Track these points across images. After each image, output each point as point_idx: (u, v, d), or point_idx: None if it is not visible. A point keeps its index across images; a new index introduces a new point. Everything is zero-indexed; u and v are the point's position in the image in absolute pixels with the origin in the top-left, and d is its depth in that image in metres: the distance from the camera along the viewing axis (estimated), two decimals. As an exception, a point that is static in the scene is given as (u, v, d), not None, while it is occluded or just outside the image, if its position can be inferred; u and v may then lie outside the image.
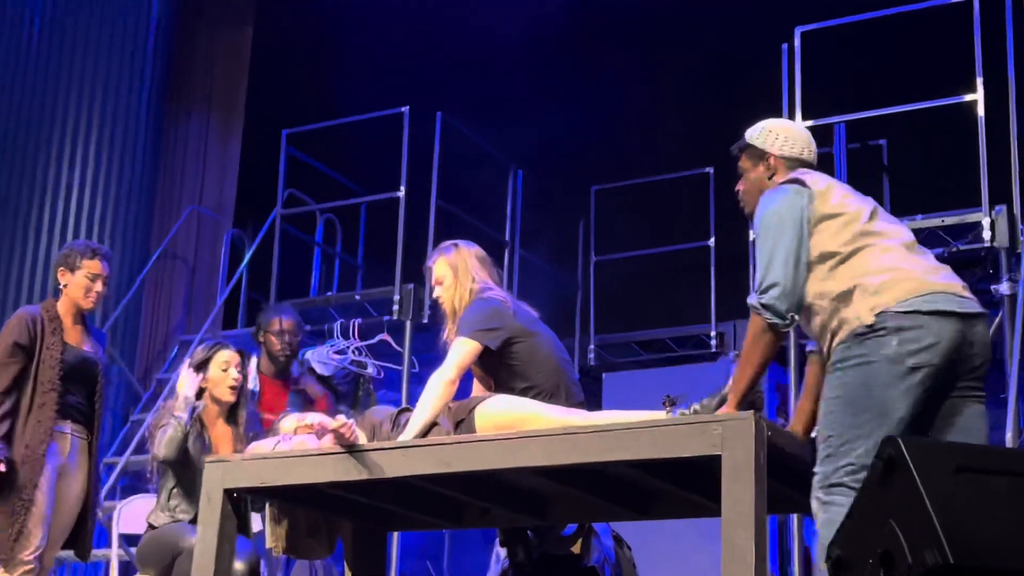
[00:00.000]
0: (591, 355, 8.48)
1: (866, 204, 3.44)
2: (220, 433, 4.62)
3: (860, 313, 3.20)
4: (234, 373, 4.62)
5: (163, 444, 4.46)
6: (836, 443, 3.14)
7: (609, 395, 7.63)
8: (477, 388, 4.36)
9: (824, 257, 3.31)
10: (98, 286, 4.95)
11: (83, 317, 5.04)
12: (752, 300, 3.31)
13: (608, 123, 9.37)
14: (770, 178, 3.52)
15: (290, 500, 4.11)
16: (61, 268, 4.96)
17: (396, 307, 7.11)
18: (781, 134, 3.57)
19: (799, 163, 3.54)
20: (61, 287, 4.96)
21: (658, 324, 8.41)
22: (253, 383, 5.48)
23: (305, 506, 4.18)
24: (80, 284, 4.93)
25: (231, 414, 4.66)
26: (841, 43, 6.75)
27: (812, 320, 3.35)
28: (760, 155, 3.55)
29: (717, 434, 3.11)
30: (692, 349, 8.06)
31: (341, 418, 3.75)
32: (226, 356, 4.65)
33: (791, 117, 6.30)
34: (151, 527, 4.55)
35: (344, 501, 4.11)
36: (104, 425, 8.10)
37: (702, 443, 3.13)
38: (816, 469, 3.19)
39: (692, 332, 8.09)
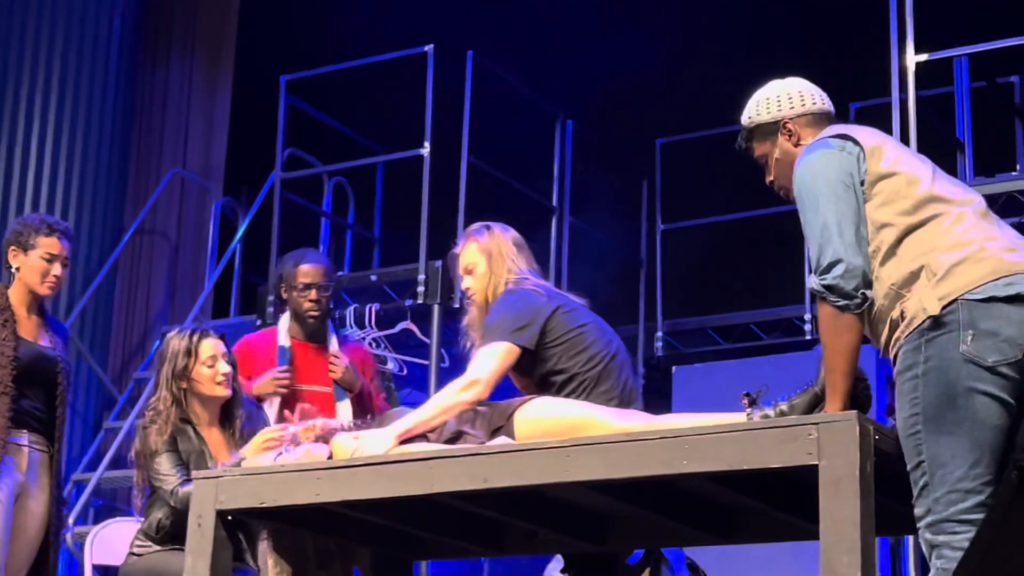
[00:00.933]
0: (658, 344, 8.47)
1: (925, 164, 3.45)
2: (215, 442, 4.66)
3: (926, 303, 3.20)
4: (223, 366, 4.65)
5: (181, 497, 4.44)
6: (931, 469, 3.14)
7: (680, 392, 7.62)
8: None
9: (882, 226, 3.31)
10: (56, 268, 4.99)
11: (40, 306, 5.08)
12: (813, 283, 3.31)
13: (677, 61, 9.32)
14: (796, 144, 3.55)
15: (296, 523, 4.14)
16: (12, 248, 5.00)
17: (421, 289, 7.12)
18: (783, 93, 3.60)
19: (820, 116, 3.57)
20: (12, 271, 5.00)
21: (740, 306, 8.39)
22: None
23: (314, 531, 4.20)
24: (35, 267, 4.97)
25: (225, 414, 4.70)
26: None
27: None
28: (773, 129, 3.58)
29: (812, 439, 3.10)
30: (782, 336, 8.02)
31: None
32: (210, 348, 4.67)
33: (901, 50, 6.25)
34: (134, 555, 4.58)
35: (361, 524, 4.13)
36: (70, 434, 8.24)
37: (794, 451, 3.12)
38: (917, 505, 3.18)
39: (781, 315, 8.05)
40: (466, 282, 4.42)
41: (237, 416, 4.69)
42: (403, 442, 3.91)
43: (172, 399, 4.62)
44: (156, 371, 4.75)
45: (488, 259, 4.37)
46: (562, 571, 4.63)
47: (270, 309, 7.16)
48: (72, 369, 5.13)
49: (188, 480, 4.42)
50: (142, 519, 4.69)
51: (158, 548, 4.54)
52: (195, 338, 4.68)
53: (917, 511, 3.17)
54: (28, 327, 4.99)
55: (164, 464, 4.52)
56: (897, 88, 6.24)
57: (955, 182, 3.46)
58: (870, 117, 7.24)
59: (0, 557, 4.79)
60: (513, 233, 4.48)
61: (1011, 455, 3.11)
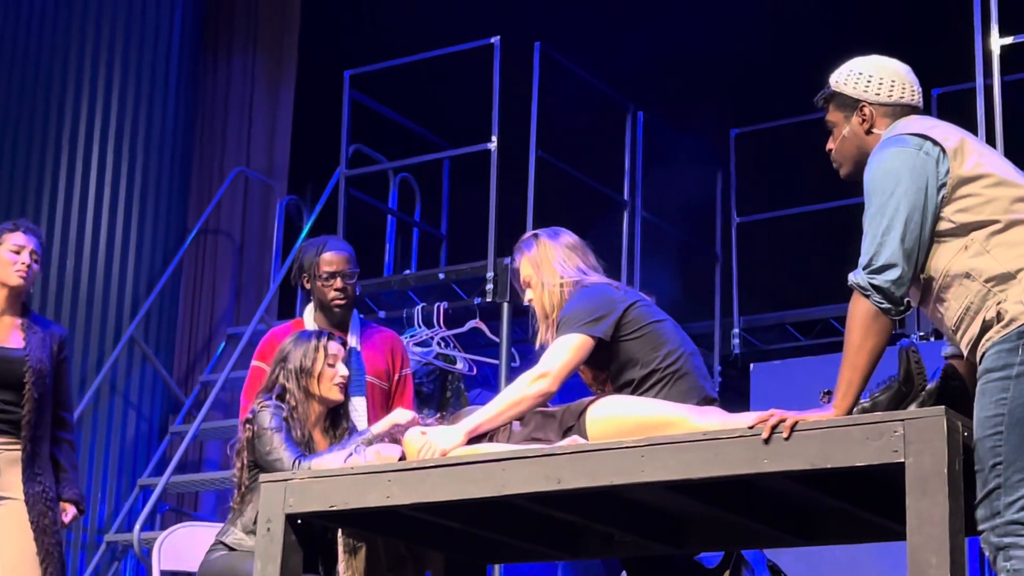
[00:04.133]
0: (735, 340, 8.44)
1: (1007, 163, 3.45)
2: (318, 442, 4.70)
3: None
4: (342, 368, 4.72)
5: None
6: (1007, 472, 3.13)
7: (759, 390, 7.59)
8: None
9: (973, 227, 3.30)
10: (25, 258, 5.12)
11: (22, 308, 5.19)
12: (859, 279, 3.31)
13: (751, 47, 9.27)
14: (868, 132, 3.54)
15: (367, 527, 4.16)
16: None
17: (490, 287, 7.14)
18: (876, 75, 3.56)
19: (903, 109, 3.55)
20: None
21: (820, 301, 8.34)
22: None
23: (386, 534, 4.23)
24: (3, 260, 5.11)
25: (333, 419, 4.74)
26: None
27: (947, 301, 3.33)
28: (852, 104, 3.56)
29: (898, 436, 3.08)
30: (863, 331, 7.94)
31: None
32: (335, 348, 4.75)
33: (986, 33, 6.18)
34: (225, 546, 4.58)
35: (433, 527, 4.15)
36: (135, 438, 8.33)
37: (879, 449, 3.11)
38: (980, 506, 3.17)
39: (862, 309, 7.98)
40: (527, 295, 4.49)
41: (344, 424, 4.73)
42: (471, 440, 3.93)
43: (306, 395, 4.65)
44: (274, 370, 4.74)
45: (537, 270, 4.42)
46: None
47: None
48: (47, 368, 5.12)
49: (304, 457, 4.45)
50: (231, 514, 4.69)
51: (247, 546, 4.51)
52: (323, 339, 4.74)
53: (980, 512, 3.16)
54: None
55: (281, 442, 4.53)
56: (982, 73, 6.17)
57: None
58: (953, 103, 7.17)
59: None
60: (565, 237, 4.52)
61: None
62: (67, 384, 5.29)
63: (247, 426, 4.65)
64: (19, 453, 5.04)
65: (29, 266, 5.14)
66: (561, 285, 4.36)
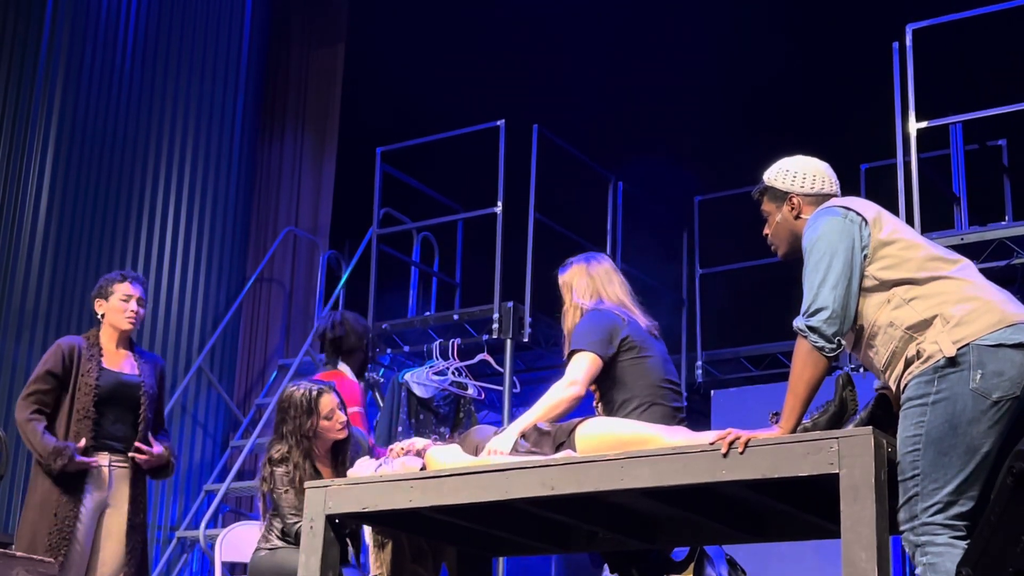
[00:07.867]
0: (699, 371, 8.43)
1: (914, 231, 3.47)
2: (327, 474, 4.66)
3: (942, 345, 3.18)
4: (340, 416, 4.65)
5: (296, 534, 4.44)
6: (924, 483, 3.12)
7: (718, 413, 7.57)
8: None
9: (894, 284, 3.30)
10: (133, 305, 5.10)
11: (130, 342, 5.17)
12: (799, 323, 3.31)
13: (711, 130, 9.31)
14: (797, 217, 3.55)
15: (393, 525, 4.14)
16: (97, 299, 5.14)
17: (496, 326, 7.13)
18: (800, 171, 3.59)
19: (824, 197, 3.56)
20: (99, 317, 5.12)
21: (768, 338, 8.33)
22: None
23: (408, 531, 4.20)
24: (116, 308, 5.08)
25: (336, 452, 4.69)
26: (955, 40, 6.63)
27: (876, 347, 3.32)
28: (782, 196, 3.58)
29: (834, 451, 3.07)
30: (804, 364, 7.92)
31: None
32: (328, 403, 4.67)
33: (904, 118, 6.20)
34: (267, 550, 4.57)
35: (447, 526, 4.13)
36: (202, 451, 8.29)
37: (818, 461, 3.10)
38: (901, 510, 3.16)
39: (804, 346, 7.95)
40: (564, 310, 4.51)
41: (344, 459, 4.68)
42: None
43: (303, 454, 4.58)
44: (279, 422, 4.66)
45: (568, 292, 4.46)
46: (611, 571, 4.59)
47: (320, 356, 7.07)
48: (156, 393, 5.11)
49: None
50: (265, 521, 4.68)
51: (283, 546, 4.51)
52: (313, 394, 4.64)
53: (901, 515, 3.15)
54: (115, 359, 5.07)
55: (290, 502, 4.51)
56: (901, 151, 6.19)
57: (941, 247, 3.46)
58: (879, 176, 7.19)
59: (82, 565, 4.86)
60: (596, 265, 4.51)
61: (999, 469, 3.09)
62: (165, 405, 5.28)
63: (266, 467, 4.59)
64: (129, 469, 5.00)
65: (137, 312, 5.11)
66: (580, 308, 4.38)
